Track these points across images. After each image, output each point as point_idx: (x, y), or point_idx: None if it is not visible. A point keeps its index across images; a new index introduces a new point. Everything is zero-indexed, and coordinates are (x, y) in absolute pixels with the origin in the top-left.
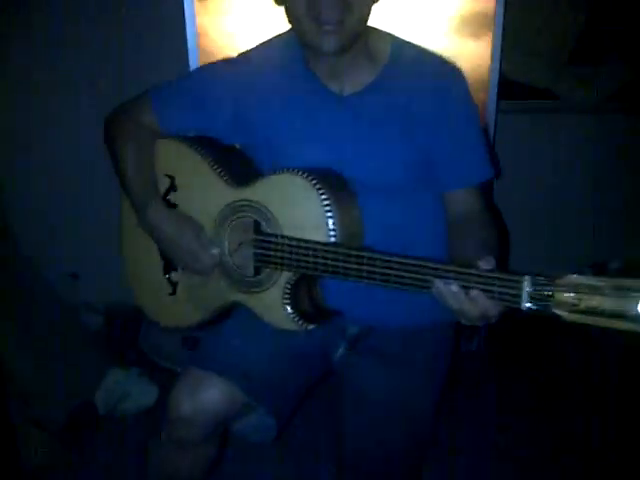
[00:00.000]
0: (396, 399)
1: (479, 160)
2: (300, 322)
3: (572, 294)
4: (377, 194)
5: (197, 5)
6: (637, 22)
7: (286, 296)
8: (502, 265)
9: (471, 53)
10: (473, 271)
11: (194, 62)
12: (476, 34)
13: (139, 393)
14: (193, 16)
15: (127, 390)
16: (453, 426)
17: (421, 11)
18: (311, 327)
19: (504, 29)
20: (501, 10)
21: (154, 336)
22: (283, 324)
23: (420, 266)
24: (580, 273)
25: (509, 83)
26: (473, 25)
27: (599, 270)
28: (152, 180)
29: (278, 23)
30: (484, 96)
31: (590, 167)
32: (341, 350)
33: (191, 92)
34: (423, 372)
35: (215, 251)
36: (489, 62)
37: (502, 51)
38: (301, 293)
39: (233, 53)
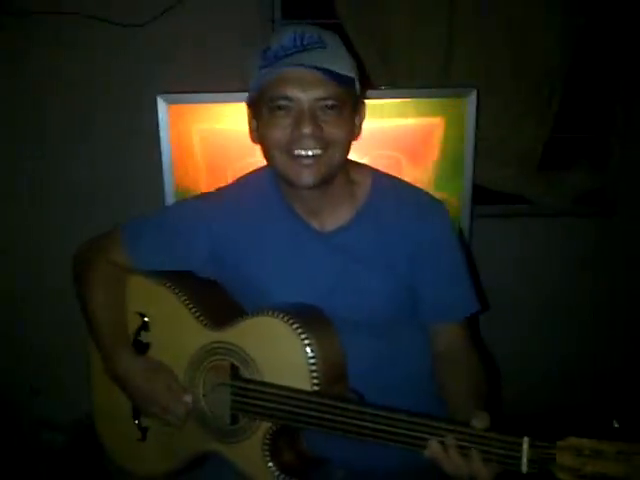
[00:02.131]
0: None
1: (464, 294)
2: (282, 477)
3: (575, 457)
4: (361, 330)
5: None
6: (602, 129)
7: (266, 447)
8: (494, 407)
9: None
10: (468, 430)
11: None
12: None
13: None
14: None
15: None
16: None
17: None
18: None
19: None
20: (473, 119)
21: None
22: (262, 478)
23: (413, 422)
24: (583, 436)
25: (481, 189)
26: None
27: (602, 431)
28: (122, 325)
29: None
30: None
31: (565, 269)
32: None
33: (165, 229)
34: None
35: (187, 399)
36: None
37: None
38: (283, 444)
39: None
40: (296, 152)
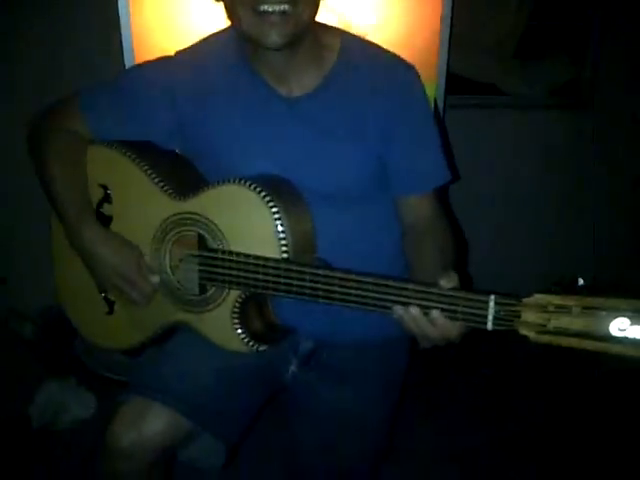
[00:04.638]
0: (349, 415)
1: (435, 163)
2: (251, 344)
3: (540, 314)
4: (329, 202)
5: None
6: (580, 17)
7: (235, 316)
8: (461, 276)
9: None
10: (435, 290)
11: (130, 62)
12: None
13: (76, 404)
14: (127, 13)
15: (63, 402)
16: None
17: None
18: (263, 348)
19: (452, 24)
20: (449, 5)
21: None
22: (232, 346)
23: (379, 284)
24: (548, 292)
25: (454, 77)
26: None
27: (567, 288)
28: (84, 195)
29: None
30: (430, 90)
31: (536, 162)
32: (293, 367)
33: (125, 93)
34: (377, 387)
35: (155, 279)
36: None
37: (449, 46)
38: (251, 312)
39: (170, 52)
40: (262, 8)
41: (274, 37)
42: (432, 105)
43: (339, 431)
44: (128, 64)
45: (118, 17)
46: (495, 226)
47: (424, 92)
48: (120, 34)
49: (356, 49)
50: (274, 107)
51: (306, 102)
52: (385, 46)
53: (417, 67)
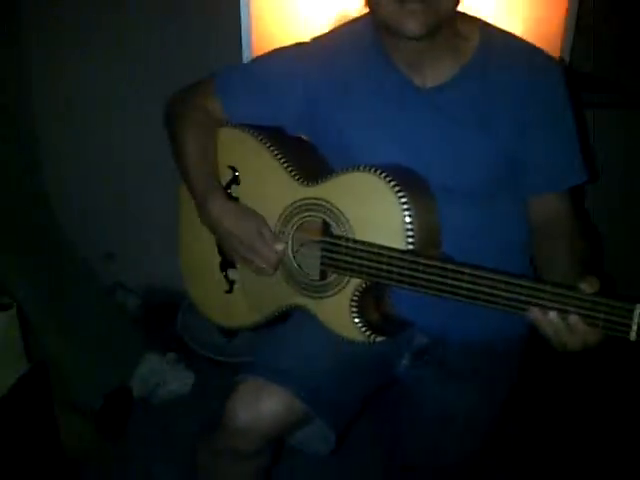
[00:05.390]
0: (456, 413)
1: (572, 162)
2: (368, 333)
3: None
4: (456, 197)
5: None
6: None
7: (354, 304)
8: (602, 282)
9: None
10: (575, 294)
11: (248, 49)
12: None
13: (175, 380)
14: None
15: (163, 376)
16: None
17: None
18: (379, 339)
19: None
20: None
21: (192, 322)
22: (349, 334)
23: (512, 284)
24: None
25: (578, 75)
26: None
27: None
28: (214, 169)
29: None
30: None
31: None
32: (405, 361)
33: (259, 77)
34: (488, 388)
35: (279, 247)
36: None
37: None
38: (370, 302)
39: (290, 40)
40: None
41: (413, 26)
42: (573, 103)
43: (445, 428)
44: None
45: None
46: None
47: (564, 86)
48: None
49: (497, 41)
50: (408, 96)
51: (441, 92)
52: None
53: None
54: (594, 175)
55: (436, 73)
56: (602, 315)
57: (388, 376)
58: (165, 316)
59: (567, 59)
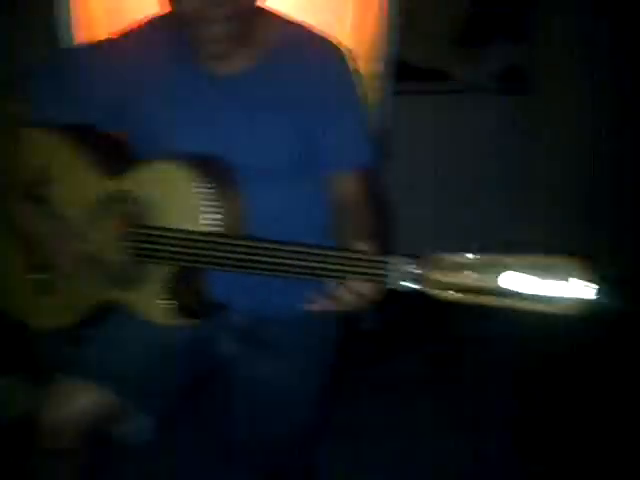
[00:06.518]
0: (283, 388)
1: (358, 146)
2: (181, 317)
3: (441, 272)
4: (264, 178)
5: None
6: (523, 4)
7: (165, 290)
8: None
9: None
10: (338, 253)
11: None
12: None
13: (25, 398)
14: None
15: (7, 396)
16: (353, 405)
17: None
18: (192, 322)
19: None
20: None
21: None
22: (162, 320)
23: (296, 252)
24: (448, 252)
25: (403, 64)
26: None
27: (466, 249)
28: (17, 171)
29: None
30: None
31: (483, 146)
32: (227, 342)
33: (66, 75)
34: (310, 360)
35: (83, 244)
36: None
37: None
38: (182, 286)
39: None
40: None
41: (219, 50)
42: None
43: (274, 404)
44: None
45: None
46: (441, 207)
47: (352, 75)
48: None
49: (292, 32)
50: (211, 85)
51: (241, 80)
52: (331, 35)
53: (364, 53)
54: (379, 158)
55: (237, 62)
56: (364, 270)
57: (213, 359)
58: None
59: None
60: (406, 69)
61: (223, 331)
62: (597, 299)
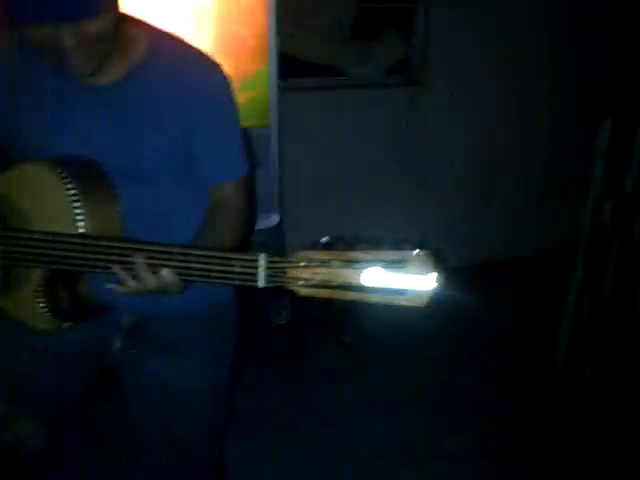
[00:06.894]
0: (181, 386)
1: (233, 158)
2: (57, 321)
3: (305, 269)
4: (137, 183)
5: None
6: None
7: (39, 294)
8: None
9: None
10: (213, 253)
11: None
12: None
13: None
14: None
15: None
16: (272, 397)
17: None
18: (68, 325)
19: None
20: None
21: None
22: (39, 324)
23: (160, 252)
24: (311, 248)
25: (293, 60)
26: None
27: (327, 244)
28: None
29: None
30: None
31: (377, 138)
32: (117, 343)
33: None
34: (206, 356)
35: None
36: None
37: (280, 29)
38: (58, 289)
39: None
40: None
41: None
42: (235, 102)
43: (173, 403)
44: None
45: None
46: (341, 202)
47: (227, 88)
48: None
49: (165, 44)
50: (82, 95)
51: (112, 90)
52: (215, 35)
53: (249, 51)
54: (252, 169)
55: (108, 72)
56: (235, 269)
57: (104, 361)
58: None
59: (275, 48)
60: (293, 66)
61: (113, 331)
62: (439, 289)
